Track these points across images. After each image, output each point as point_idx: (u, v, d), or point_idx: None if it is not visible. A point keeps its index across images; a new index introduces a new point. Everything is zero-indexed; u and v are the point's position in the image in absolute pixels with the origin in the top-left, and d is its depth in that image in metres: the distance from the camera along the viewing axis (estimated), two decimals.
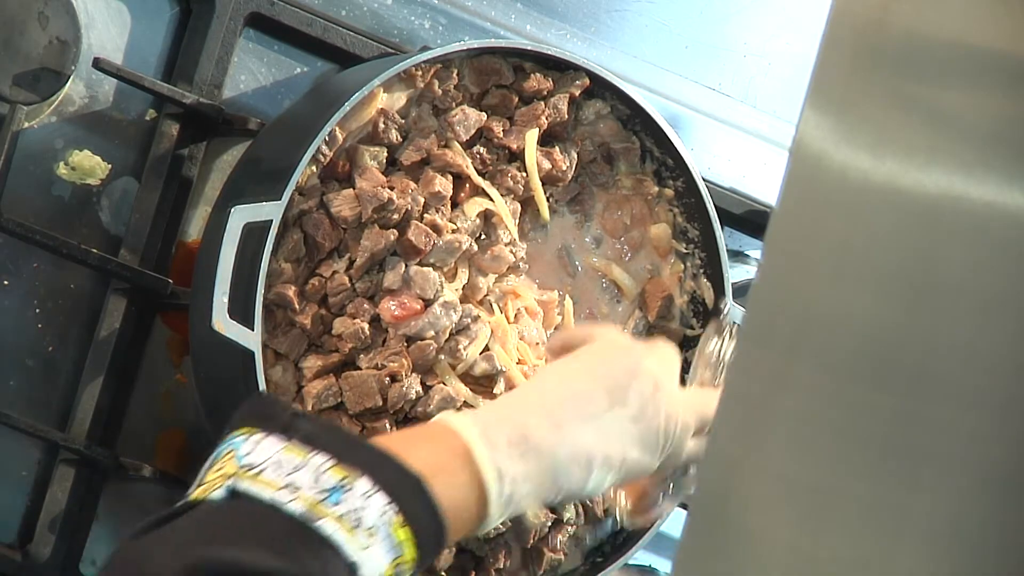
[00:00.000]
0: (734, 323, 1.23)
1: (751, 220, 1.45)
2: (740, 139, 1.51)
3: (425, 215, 1.26)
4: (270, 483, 0.94)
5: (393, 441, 1.02)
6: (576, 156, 1.33)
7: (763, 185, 1.49)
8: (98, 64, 1.27)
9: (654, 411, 1.09)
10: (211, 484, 0.96)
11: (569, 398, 1.07)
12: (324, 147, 1.22)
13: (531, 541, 1.29)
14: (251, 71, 1.35)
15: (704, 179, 1.34)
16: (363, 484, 0.95)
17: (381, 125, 1.25)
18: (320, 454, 0.96)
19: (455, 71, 1.29)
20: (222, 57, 1.32)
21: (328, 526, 0.93)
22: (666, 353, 1.14)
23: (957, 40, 0.66)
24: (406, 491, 0.96)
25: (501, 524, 1.27)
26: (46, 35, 1.25)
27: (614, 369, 1.09)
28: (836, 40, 0.70)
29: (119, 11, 1.32)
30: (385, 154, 1.26)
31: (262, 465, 0.95)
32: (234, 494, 0.94)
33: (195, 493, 0.96)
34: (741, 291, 1.37)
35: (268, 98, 1.35)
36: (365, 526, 0.94)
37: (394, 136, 1.26)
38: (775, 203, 0.72)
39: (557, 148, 1.32)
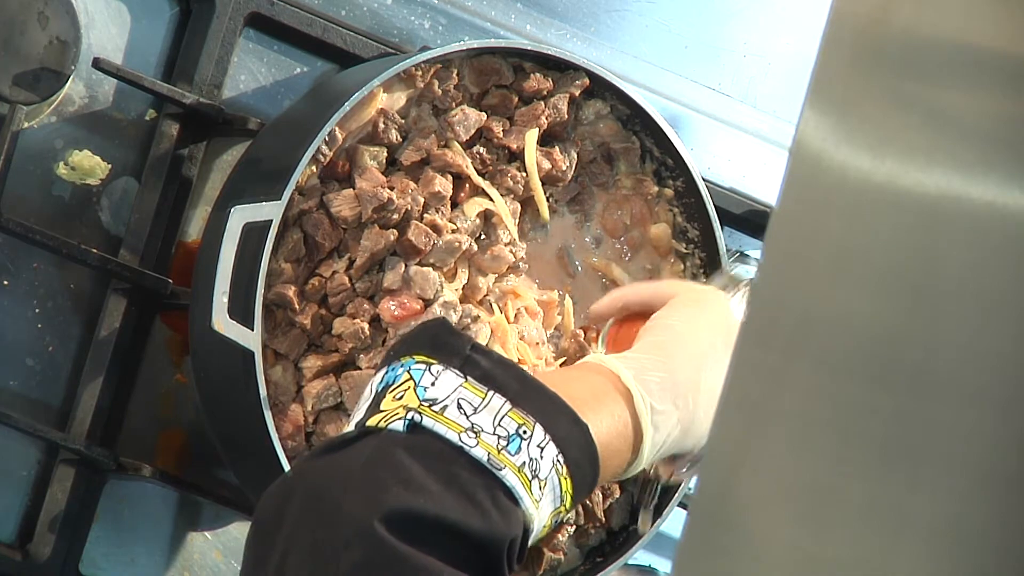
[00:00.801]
0: (745, 279, 1.25)
1: (751, 220, 1.45)
2: (740, 139, 1.51)
3: (425, 215, 1.26)
4: (454, 423, 0.95)
5: (555, 378, 1.05)
6: (576, 156, 1.33)
7: (763, 185, 1.49)
8: (98, 64, 1.27)
9: None
10: (391, 413, 0.96)
11: (697, 345, 1.11)
12: (324, 147, 1.22)
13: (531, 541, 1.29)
14: (251, 71, 1.35)
15: (704, 179, 1.34)
16: (538, 433, 0.97)
17: (381, 125, 1.25)
18: (497, 395, 0.97)
19: (455, 71, 1.29)
20: (222, 57, 1.32)
21: (511, 477, 0.95)
22: (719, 292, 1.21)
23: (957, 40, 0.66)
24: (574, 441, 0.99)
25: None
26: (46, 35, 1.25)
27: (718, 318, 1.14)
28: (836, 40, 0.70)
29: (119, 11, 1.32)
30: (385, 154, 1.26)
31: (444, 401, 0.96)
32: (415, 428, 0.95)
33: (373, 419, 0.96)
34: None
35: (268, 98, 1.35)
36: (540, 478, 0.96)
37: (394, 136, 1.26)
38: (775, 203, 0.72)
39: (557, 148, 1.32)
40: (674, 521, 1.32)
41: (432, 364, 0.98)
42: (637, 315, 1.20)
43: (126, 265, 1.28)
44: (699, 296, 1.17)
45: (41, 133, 1.29)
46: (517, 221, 1.31)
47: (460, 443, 0.95)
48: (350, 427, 0.98)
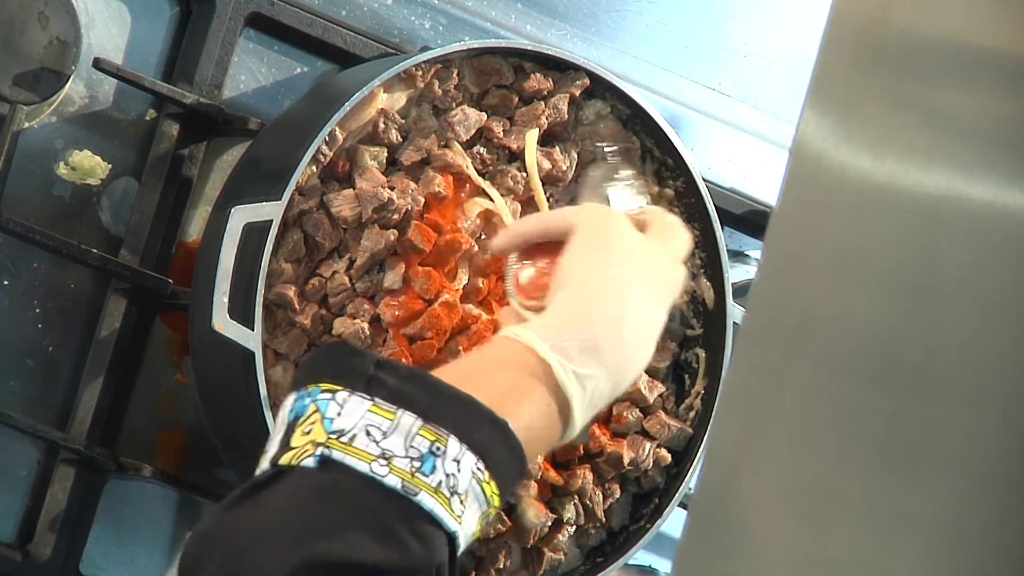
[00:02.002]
0: (624, 166, 1.26)
1: (751, 220, 1.45)
2: (740, 139, 1.51)
3: (425, 215, 1.26)
4: (364, 453, 0.93)
5: (468, 370, 1.03)
6: (576, 156, 1.33)
7: (763, 185, 1.49)
8: (98, 64, 1.27)
9: (654, 269, 1.13)
10: (300, 449, 0.94)
11: (611, 289, 1.09)
12: (324, 147, 1.22)
13: (531, 541, 1.29)
14: (251, 71, 1.35)
15: (704, 179, 1.34)
16: (453, 446, 0.95)
17: (381, 125, 1.25)
18: (407, 413, 0.95)
19: (455, 71, 1.29)
20: (222, 57, 1.32)
21: (428, 501, 0.93)
22: (611, 210, 1.19)
23: (957, 40, 0.66)
24: (494, 443, 0.97)
25: (501, 524, 1.27)
26: (46, 35, 1.25)
27: (617, 244, 1.12)
28: (836, 40, 0.70)
29: (119, 11, 1.32)
30: (385, 154, 1.26)
31: (352, 430, 0.94)
32: (326, 463, 0.93)
33: (284, 457, 0.95)
34: (741, 291, 1.37)
35: (268, 98, 1.35)
36: (459, 492, 0.95)
37: (394, 136, 1.26)
38: (775, 203, 0.72)
39: (557, 148, 1.32)
40: (674, 521, 1.32)
41: (337, 391, 0.96)
42: (539, 248, 1.18)
43: (126, 265, 1.28)
44: (597, 227, 1.13)
45: (41, 133, 1.29)
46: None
47: (372, 474, 0.93)
48: (265, 462, 0.96)
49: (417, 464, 0.94)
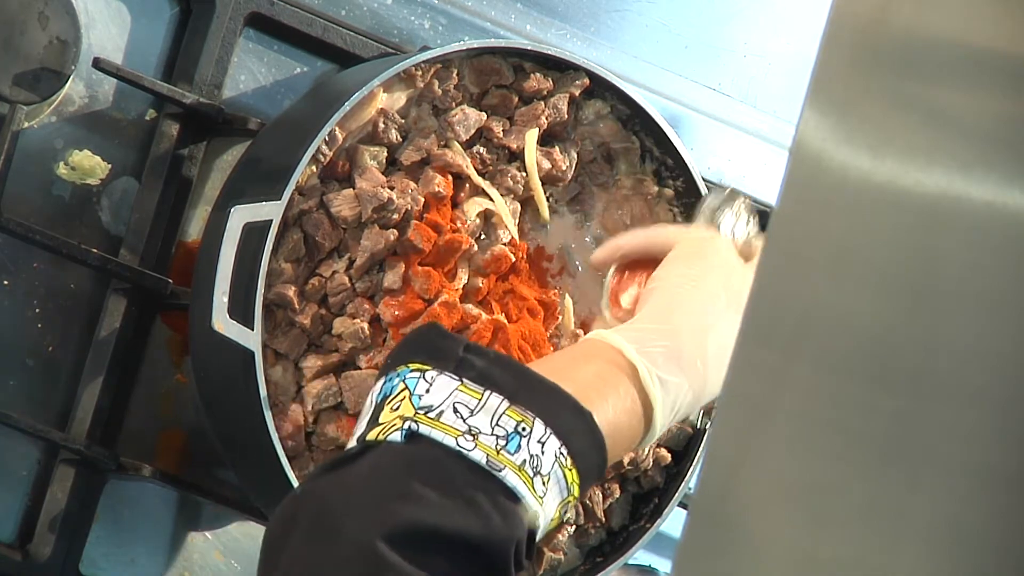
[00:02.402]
0: (742, 196, 1.25)
1: None
2: (740, 139, 1.51)
3: (425, 215, 1.26)
4: (450, 428, 0.95)
5: (556, 364, 1.05)
6: (576, 156, 1.33)
7: (763, 185, 1.49)
8: (98, 64, 1.27)
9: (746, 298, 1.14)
10: (388, 425, 0.96)
11: (701, 304, 1.10)
12: (324, 147, 1.22)
13: None
14: (251, 71, 1.35)
15: (704, 179, 1.34)
16: (538, 428, 0.97)
17: (381, 125, 1.25)
18: (494, 394, 0.97)
19: (455, 71, 1.29)
20: (222, 57, 1.32)
21: (511, 477, 0.95)
22: (718, 235, 1.19)
23: (957, 40, 0.66)
24: (577, 431, 0.99)
25: None
26: (46, 35, 1.25)
27: (718, 265, 1.13)
28: (836, 40, 0.70)
29: (119, 11, 1.32)
30: (385, 154, 1.26)
31: (440, 407, 0.96)
32: (413, 437, 0.95)
33: (371, 433, 0.96)
34: None
35: (268, 98, 1.35)
36: (543, 473, 0.96)
37: (394, 136, 1.26)
38: (775, 203, 0.72)
39: (557, 148, 1.32)
40: (674, 521, 1.32)
41: (426, 370, 0.98)
42: (638, 264, 1.19)
43: (126, 265, 1.28)
44: (697, 246, 1.16)
45: (41, 133, 1.29)
46: (517, 221, 1.31)
47: (458, 448, 0.95)
48: (352, 441, 0.98)
49: (503, 442, 0.95)
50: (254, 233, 1.18)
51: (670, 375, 1.06)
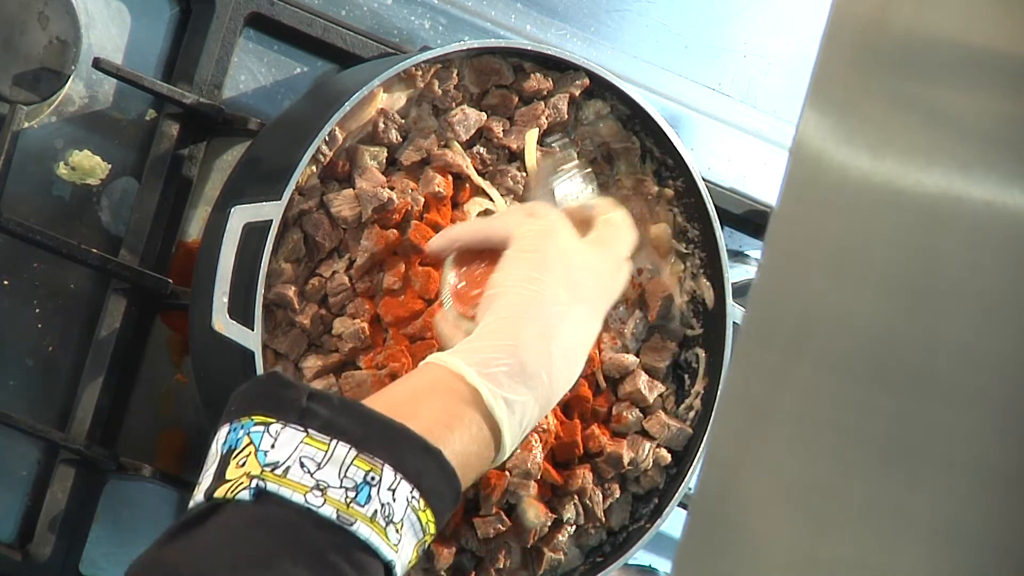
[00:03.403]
0: (569, 153, 1.25)
1: (751, 220, 1.45)
2: (740, 139, 1.51)
3: (425, 215, 1.26)
4: (298, 485, 0.94)
5: (399, 399, 1.02)
6: (576, 156, 1.33)
7: (763, 185, 1.49)
8: (98, 64, 1.27)
9: (592, 283, 1.12)
10: (235, 483, 0.94)
11: (540, 310, 1.08)
12: (324, 147, 1.22)
13: (531, 541, 1.29)
14: (251, 71, 1.35)
15: (704, 179, 1.34)
16: (388, 475, 0.95)
17: (381, 125, 1.25)
18: (341, 443, 0.95)
19: (455, 71, 1.29)
20: (222, 57, 1.32)
21: (363, 530, 0.93)
22: (558, 217, 1.16)
23: (957, 40, 0.66)
24: (428, 470, 0.97)
25: (501, 525, 1.27)
26: (46, 35, 1.25)
27: (554, 260, 1.11)
28: (836, 40, 0.70)
29: (119, 11, 1.32)
30: (385, 154, 1.26)
31: (286, 462, 0.94)
32: (261, 495, 0.94)
33: (219, 490, 0.95)
34: (741, 291, 1.37)
35: (268, 98, 1.35)
36: (395, 521, 0.95)
37: (394, 136, 1.26)
38: (775, 203, 0.72)
39: (557, 148, 1.32)
40: (674, 521, 1.32)
41: (271, 423, 0.96)
42: (478, 255, 1.17)
43: (126, 265, 1.28)
44: (532, 242, 1.12)
45: (41, 133, 1.29)
46: None
47: (307, 505, 0.93)
48: (199, 495, 0.96)
49: (352, 494, 0.94)
50: (254, 233, 1.18)
51: (515, 394, 1.05)
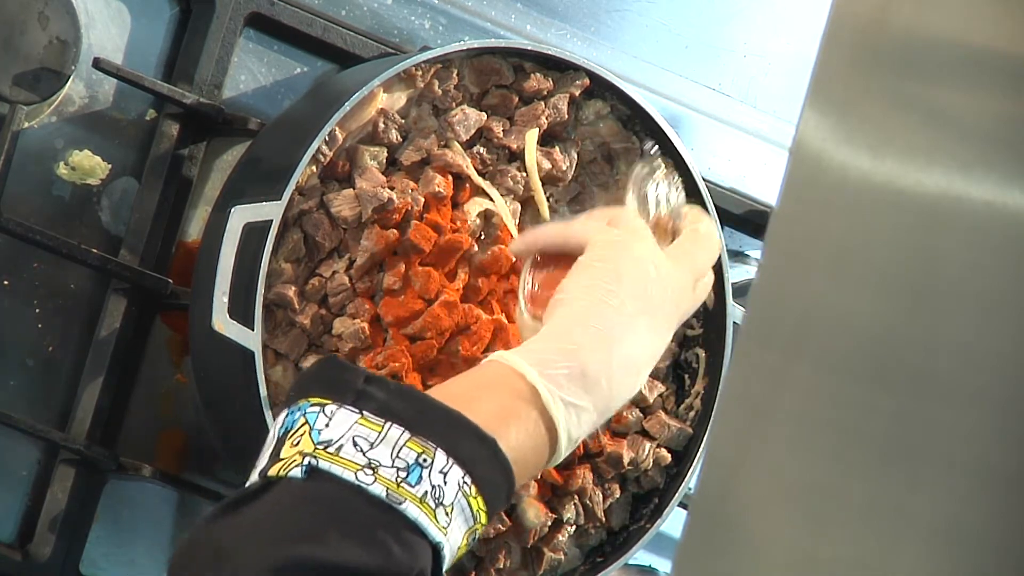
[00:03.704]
0: (659, 160, 1.25)
1: (751, 220, 1.45)
2: (740, 139, 1.51)
3: (425, 215, 1.26)
4: (350, 462, 0.94)
5: (458, 391, 1.03)
6: (576, 156, 1.33)
7: (763, 185, 1.49)
8: (98, 64, 1.27)
9: (664, 297, 1.12)
10: (288, 461, 0.95)
11: (606, 316, 1.08)
12: (324, 147, 1.22)
13: (531, 541, 1.29)
14: (251, 71, 1.35)
15: (704, 179, 1.34)
16: (440, 458, 0.96)
17: (381, 125, 1.25)
18: (395, 426, 0.96)
19: (455, 71, 1.29)
20: (222, 57, 1.32)
21: (412, 510, 0.94)
22: (639, 226, 1.16)
23: (957, 40, 0.66)
24: (481, 458, 0.98)
25: (500, 524, 1.27)
26: (46, 35, 1.25)
27: (627, 271, 1.11)
28: (836, 40, 0.70)
29: (119, 11, 1.32)
30: (385, 154, 1.26)
31: (339, 441, 0.95)
32: (313, 472, 0.94)
33: (272, 469, 0.96)
34: (741, 291, 1.37)
35: (268, 98, 1.35)
36: (445, 504, 0.95)
37: (394, 136, 1.26)
38: (775, 203, 0.72)
39: (557, 148, 1.32)
40: (674, 521, 1.32)
41: (326, 404, 0.97)
42: (557, 258, 1.17)
43: (126, 265, 1.28)
44: (606, 252, 1.12)
45: (41, 133, 1.29)
46: (517, 221, 1.31)
47: (357, 482, 0.94)
48: (254, 476, 0.97)
49: (403, 474, 0.94)
50: (254, 233, 1.18)
51: (574, 397, 1.05)
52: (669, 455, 1.33)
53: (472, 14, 1.42)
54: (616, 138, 1.35)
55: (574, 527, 1.32)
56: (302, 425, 0.97)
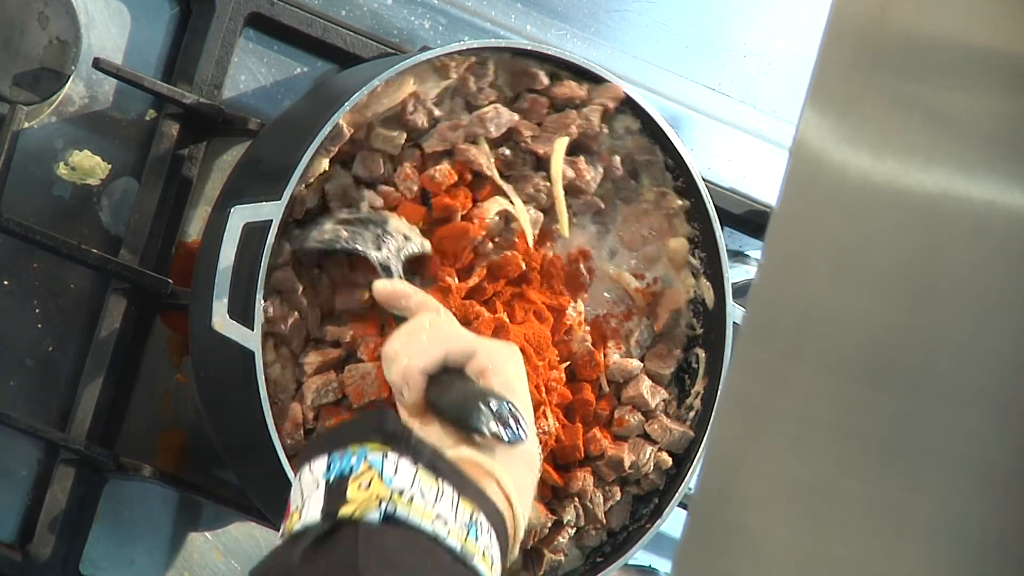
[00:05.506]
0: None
1: (751, 220, 1.45)
2: (740, 139, 1.51)
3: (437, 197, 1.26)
4: (425, 513, 0.97)
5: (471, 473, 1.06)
6: (602, 171, 1.32)
7: (763, 185, 1.49)
8: (98, 64, 1.27)
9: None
10: (363, 503, 0.96)
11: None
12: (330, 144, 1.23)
13: (531, 541, 1.29)
14: (251, 71, 1.35)
15: (704, 179, 1.34)
16: (483, 520, 1.00)
17: (411, 108, 1.24)
18: (446, 483, 0.99)
19: (491, 69, 1.28)
20: (222, 57, 1.32)
21: (481, 566, 0.98)
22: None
23: (957, 40, 0.66)
24: (499, 527, 1.02)
25: None
26: (46, 35, 1.25)
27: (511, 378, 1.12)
28: (836, 40, 0.70)
29: (119, 11, 1.32)
30: (403, 138, 1.26)
31: (411, 491, 0.97)
32: (389, 518, 0.96)
33: (345, 508, 0.96)
34: (741, 291, 1.37)
35: (268, 98, 1.35)
36: (496, 563, 1.00)
37: (420, 121, 1.25)
38: (775, 203, 0.72)
39: (583, 158, 1.31)
40: (674, 521, 1.32)
41: (387, 451, 0.99)
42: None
43: (126, 265, 1.28)
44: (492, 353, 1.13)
45: (41, 133, 1.29)
46: (538, 231, 1.30)
47: (435, 532, 0.96)
48: (302, 519, 0.97)
49: (465, 531, 0.98)
50: (254, 233, 1.18)
51: (525, 509, 1.08)
52: (670, 459, 1.33)
53: (472, 14, 1.42)
54: (641, 151, 1.34)
55: (574, 528, 1.31)
56: (366, 470, 0.98)
